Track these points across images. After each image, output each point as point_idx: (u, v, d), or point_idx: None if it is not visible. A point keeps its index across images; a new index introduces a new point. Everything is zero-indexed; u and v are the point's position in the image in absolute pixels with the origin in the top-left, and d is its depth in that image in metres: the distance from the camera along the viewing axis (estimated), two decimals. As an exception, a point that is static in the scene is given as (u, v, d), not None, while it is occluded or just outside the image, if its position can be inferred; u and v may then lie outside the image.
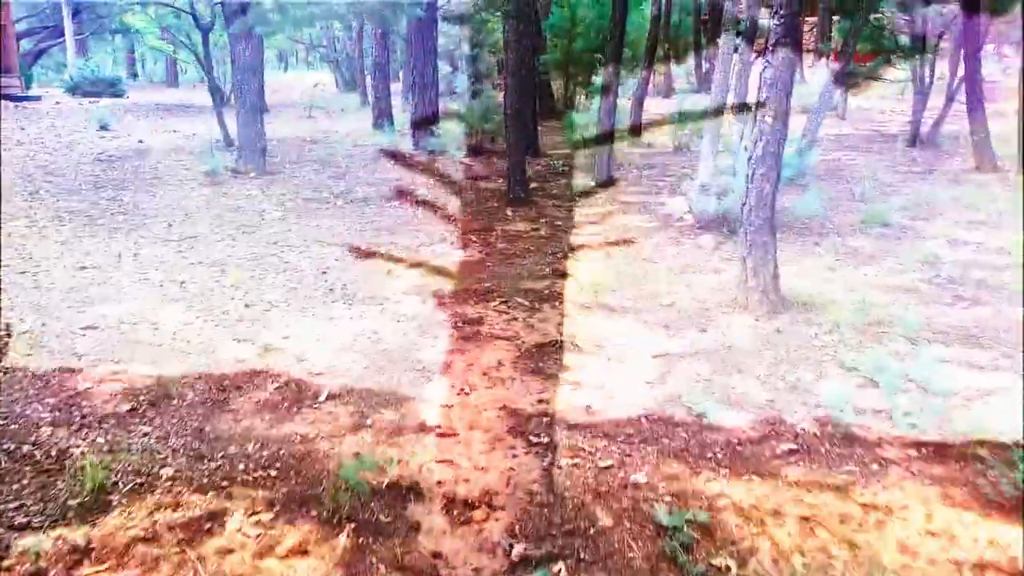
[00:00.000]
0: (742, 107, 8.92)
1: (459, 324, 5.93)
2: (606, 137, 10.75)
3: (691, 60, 24.87)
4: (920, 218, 8.92)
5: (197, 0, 12.26)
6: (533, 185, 10.91)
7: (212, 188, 10.65)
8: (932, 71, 13.48)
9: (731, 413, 4.45)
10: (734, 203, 8.13)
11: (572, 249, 7.99)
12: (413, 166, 12.39)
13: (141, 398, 4.61)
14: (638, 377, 4.98)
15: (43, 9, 32.72)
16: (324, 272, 7.22)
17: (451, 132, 13.66)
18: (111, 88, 25.31)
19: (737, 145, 9.10)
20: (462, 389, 4.83)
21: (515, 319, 6.09)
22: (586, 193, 10.42)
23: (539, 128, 13.78)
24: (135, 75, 42.79)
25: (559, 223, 9.07)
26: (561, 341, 5.57)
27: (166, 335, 5.60)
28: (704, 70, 23.63)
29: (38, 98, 21.73)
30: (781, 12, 5.76)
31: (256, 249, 7.98)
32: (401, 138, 14.89)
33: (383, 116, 15.98)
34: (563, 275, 7.17)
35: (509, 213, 9.55)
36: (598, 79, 14.10)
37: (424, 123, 13.59)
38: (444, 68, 22.76)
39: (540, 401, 4.67)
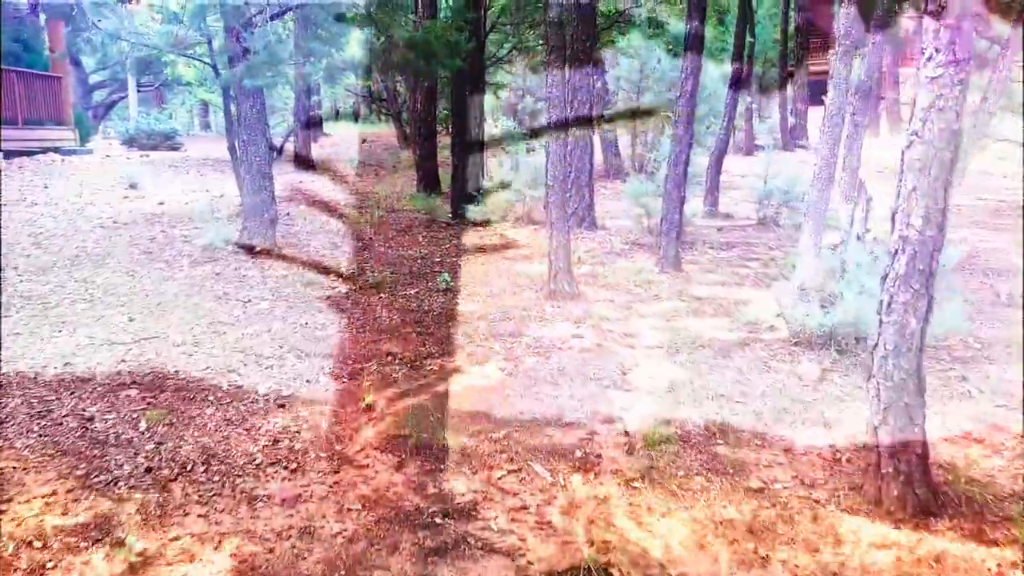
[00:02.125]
0: (853, 183, 6.83)
1: (435, 519, 3.97)
2: (674, 212, 8.75)
3: (775, 115, 22.69)
4: (1101, 335, 6.61)
5: (219, 51, 10.81)
6: (583, 270, 8.96)
7: (205, 267, 9.03)
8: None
9: None
10: (846, 316, 6.01)
11: (624, 373, 5.97)
12: (444, 240, 10.61)
13: None
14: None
15: (116, 62, 32.70)
16: (281, 406, 5.37)
17: (497, 198, 11.86)
18: (167, 141, 24.74)
19: (846, 232, 6.98)
20: None
21: (526, 508, 4.10)
22: (648, 283, 8.40)
23: (597, 194, 11.87)
24: (207, 126, 42.83)
25: (610, 327, 7.07)
26: (588, 569, 3.55)
27: (-1, 531, 3.79)
28: (791, 126, 21.45)
29: (89, 151, 21.06)
30: (942, 61, 3.72)
31: (214, 360, 6.20)
32: (443, 203, 13.20)
33: (427, 177, 14.33)
34: (608, 420, 5.15)
35: (548, 309, 7.60)
36: (667, 139, 12.16)
37: (465, 187, 11.85)
38: (507, 123, 21.21)
39: None
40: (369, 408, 5.34)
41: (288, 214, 12.36)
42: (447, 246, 10.30)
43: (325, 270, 8.99)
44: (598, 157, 16.06)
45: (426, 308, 7.69)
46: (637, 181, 11.25)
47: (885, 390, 4.03)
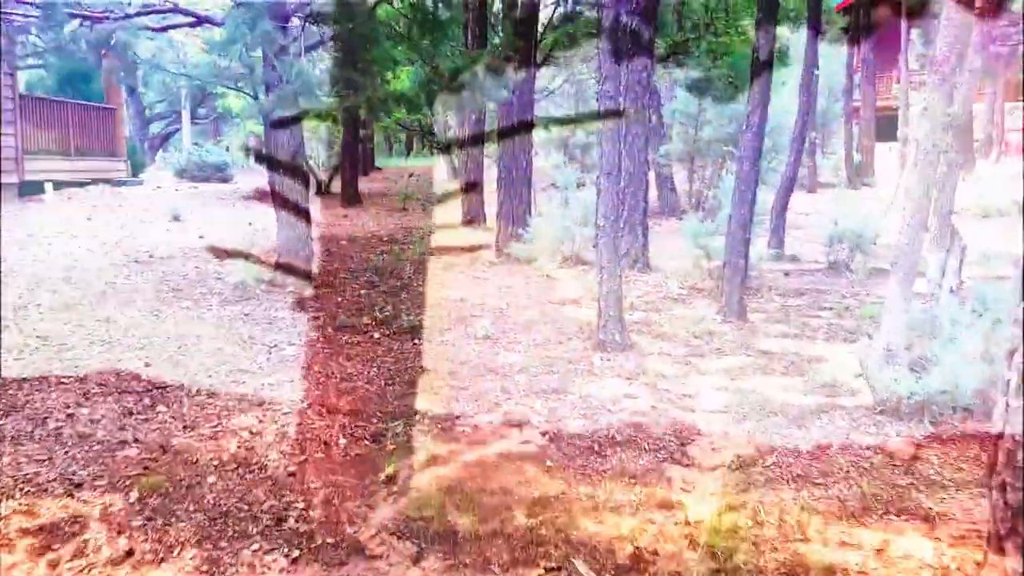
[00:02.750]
0: (944, 228, 6.02)
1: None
2: (738, 255, 8.00)
3: (840, 151, 21.72)
4: None
5: (258, 81, 10.44)
6: (636, 317, 8.24)
7: (235, 307, 8.55)
8: None
9: None
10: (942, 382, 5.19)
11: (683, 444, 5.22)
12: (487, 280, 10.00)
13: None
14: None
15: (172, 94, 33.24)
16: (292, 474, 4.75)
17: (545, 236, 11.21)
18: (218, 173, 24.79)
19: (933, 282, 6.16)
20: None
21: (566, 622, 3.38)
22: (709, 334, 7.64)
23: (650, 232, 11.16)
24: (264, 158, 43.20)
25: (666, 385, 6.33)
26: None
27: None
28: (856, 163, 20.48)
29: (140, 183, 21.12)
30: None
31: (227, 416, 5.63)
32: (489, 239, 12.62)
33: (472, 212, 13.81)
34: (666, 505, 4.41)
35: (597, 362, 6.89)
36: (729, 175, 11.43)
37: (511, 224, 11.26)
38: (556, 157, 20.65)
39: None
40: (389, 480, 4.69)
41: (328, 251, 11.92)
42: (489, 287, 9.68)
43: (360, 312, 8.44)
44: (652, 193, 15.38)
45: (463, 358, 7.05)
46: (695, 219, 10.52)
47: (1014, 492, 3.24)
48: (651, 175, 12.83)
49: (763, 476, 4.71)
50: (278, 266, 9.33)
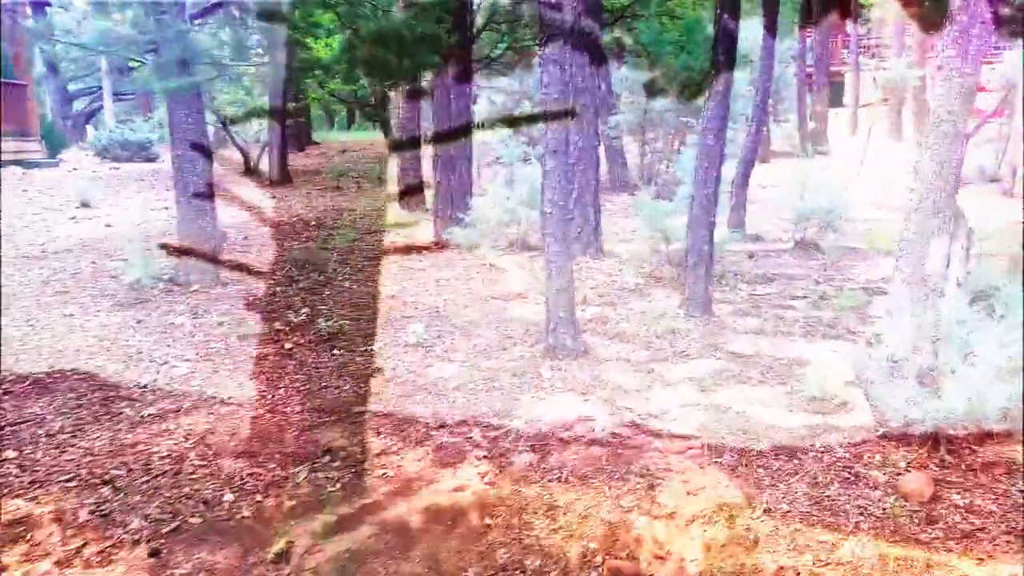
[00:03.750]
0: (947, 210, 5.12)
1: None
2: (702, 241, 7.04)
3: (792, 118, 20.96)
4: None
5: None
6: (589, 312, 7.25)
7: (127, 312, 7.34)
8: None
9: None
10: (960, 401, 4.30)
11: (652, 486, 4.25)
12: (423, 272, 8.91)
13: None
14: None
15: (96, 69, 31.16)
16: (155, 554, 3.67)
17: (488, 218, 10.12)
18: (142, 151, 23.11)
19: (936, 274, 5.27)
20: None
21: None
22: (672, 332, 6.68)
23: (602, 212, 10.17)
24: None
25: (628, 402, 5.34)
26: None
27: None
28: (810, 130, 19.74)
29: (56, 163, 19.47)
30: None
31: (86, 465, 4.51)
32: (426, 222, 11.50)
33: (409, 192, 12.67)
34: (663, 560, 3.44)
35: (546, 373, 5.89)
36: (689, 150, 10.49)
37: (450, 205, 10.18)
38: (502, 131, 19.50)
39: None
40: (279, 558, 3.64)
41: (246, 238, 10.69)
42: (425, 280, 8.59)
43: (272, 316, 7.29)
44: (602, 168, 14.38)
45: (389, 372, 5.98)
46: (649, 196, 9.54)
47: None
48: (600, 148, 11.79)
49: (753, 533, 3.77)
50: (180, 260, 8.12)
